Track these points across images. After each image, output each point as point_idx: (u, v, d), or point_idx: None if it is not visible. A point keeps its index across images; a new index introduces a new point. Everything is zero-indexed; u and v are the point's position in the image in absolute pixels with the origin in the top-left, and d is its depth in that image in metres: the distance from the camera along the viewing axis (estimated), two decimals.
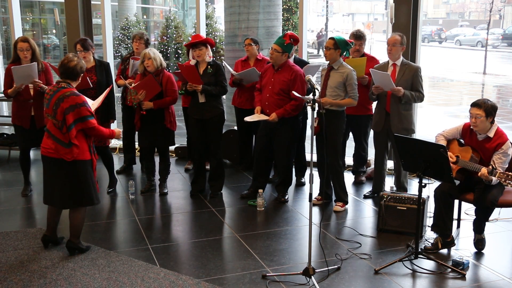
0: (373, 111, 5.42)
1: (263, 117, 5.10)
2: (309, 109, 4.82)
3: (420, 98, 5.10)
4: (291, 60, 5.60)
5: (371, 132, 5.57)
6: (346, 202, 5.21)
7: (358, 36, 5.57)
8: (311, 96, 3.66)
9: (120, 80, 5.90)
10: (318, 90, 3.75)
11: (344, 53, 4.94)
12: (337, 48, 4.87)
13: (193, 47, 5.22)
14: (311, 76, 3.96)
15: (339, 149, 5.09)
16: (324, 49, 5.02)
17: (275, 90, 5.08)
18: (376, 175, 5.46)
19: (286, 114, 5.06)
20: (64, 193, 3.95)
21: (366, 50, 5.84)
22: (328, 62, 5.02)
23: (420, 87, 5.07)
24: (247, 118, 5.19)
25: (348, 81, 4.89)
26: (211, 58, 5.31)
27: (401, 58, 5.15)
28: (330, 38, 4.96)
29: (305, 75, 5.09)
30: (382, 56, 5.87)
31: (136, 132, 5.66)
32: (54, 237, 4.25)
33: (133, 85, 5.26)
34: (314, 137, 4.11)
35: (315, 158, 3.87)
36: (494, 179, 3.89)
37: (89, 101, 4.15)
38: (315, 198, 5.24)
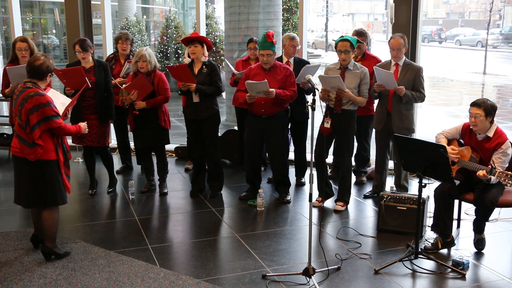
0: (375, 110, 5.42)
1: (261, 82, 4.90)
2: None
3: (421, 99, 5.10)
4: (291, 61, 5.63)
5: (373, 132, 5.57)
6: (347, 203, 5.21)
7: (360, 33, 5.58)
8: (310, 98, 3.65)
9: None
10: (318, 90, 3.74)
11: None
12: (353, 48, 4.93)
13: (189, 43, 5.23)
14: (311, 76, 3.95)
15: (352, 149, 5.12)
16: (340, 52, 4.90)
17: (277, 91, 5.07)
18: (376, 175, 5.46)
19: (282, 94, 5.01)
20: (29, 192, 3.93)
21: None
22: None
23: (421, 88, 5.07)
24: (249, 81, 4.98)
25: (364, 80, 4.93)
26: (207, 58, 5.30)
27: (404, 58, 5.15)
28: (344, 40, 4.88)
29: (304, 75, 5.10)
30: (381, 55, 5.88)
31: (130, 133, 5.67)
32: (43, 237, 4.18)
33: (124, 85, 5.28)
34: (314, 137, 4.09)
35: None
36: (493, 178, 3.89)
37: (62, 100, 4.12)
38: (316, 200, 5.24)
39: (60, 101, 4.10)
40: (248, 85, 4.95)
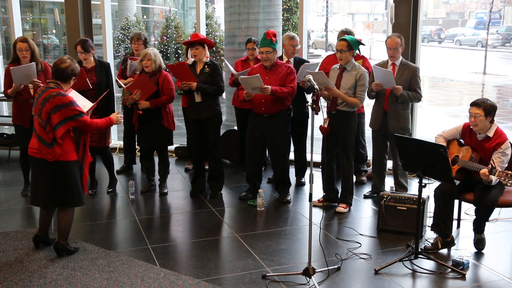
0: (371, 109, 5.40)
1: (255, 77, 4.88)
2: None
3: (417, 98, 5.12)
4: (291, 60, 5.63)
5: (369, 132, 5.57)
6: (350, 204, 5.20)
7: (347, 34, 5.56)
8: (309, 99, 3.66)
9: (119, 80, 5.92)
10: (318, 90, 3.75)
11: (356, 51, 4.97)
12: (351, 49, 4.86)
13: (190, 46, 5.24)
14: (311, 76, 3.95)
15: (351, 151, 5.07)
16: (336, 51, 4.91)
17: (273, 88, 5.07)
18: (375, 175, 5.46)
19: (279, 92, 4.97)
20: (46, 192, 3.94)
21: (367, 50, 5.84)
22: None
23: (417, 88, 5.08)
24: (242, 76, 4.99)
25: (360, 82, 4.87)
26: (208, 59, 5.30)
27: (400, 58, 5.16)
28: (342, 40, 4.89)
29: (303, 74, 5.10)
30: (381, 55, 5.88)
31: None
32: (45, 238, 4.23)
33: (124, 84, 5.27)
34: (314, 138, 4.09)
35: (315, 158, 3.86)
36: (494, 179, 3.89)
37: (83, 102, 4.13)
38: (317, 199, 5.23)
39: (81, 103, 4.10)
40: (242, 81, 4.95)
